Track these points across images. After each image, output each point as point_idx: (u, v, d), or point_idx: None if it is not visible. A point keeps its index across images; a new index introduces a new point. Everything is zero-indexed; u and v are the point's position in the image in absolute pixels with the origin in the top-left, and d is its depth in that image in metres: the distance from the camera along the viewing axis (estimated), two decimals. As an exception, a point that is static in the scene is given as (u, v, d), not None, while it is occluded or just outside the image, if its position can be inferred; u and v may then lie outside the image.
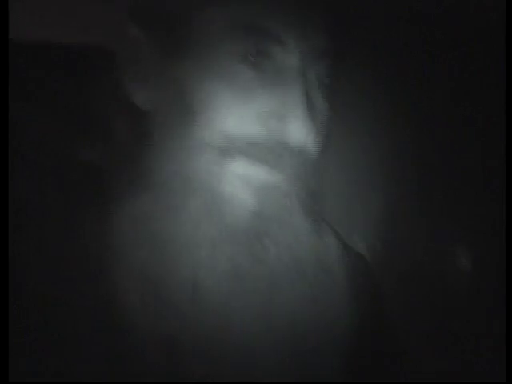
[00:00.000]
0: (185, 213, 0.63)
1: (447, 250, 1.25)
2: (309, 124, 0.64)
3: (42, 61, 0.96)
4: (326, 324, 0.68)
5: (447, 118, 1.17)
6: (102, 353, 0.59)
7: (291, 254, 0.65)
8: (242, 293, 0.62)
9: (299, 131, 0.64)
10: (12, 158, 0.62)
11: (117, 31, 0.72)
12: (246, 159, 0.64)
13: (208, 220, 0.63)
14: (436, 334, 1.15)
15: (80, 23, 1.01)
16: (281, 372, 0.64)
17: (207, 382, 0.62)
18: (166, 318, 0.61)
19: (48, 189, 0.66)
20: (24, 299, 0.58)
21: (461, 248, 1.24)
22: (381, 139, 1.22)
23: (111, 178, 0.68)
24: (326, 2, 0.70)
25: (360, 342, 0.72)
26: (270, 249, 0.63)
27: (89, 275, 0.61)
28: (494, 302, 1.01)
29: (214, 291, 0.62)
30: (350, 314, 0.72)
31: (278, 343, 0.64)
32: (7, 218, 0.59)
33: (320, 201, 0.71)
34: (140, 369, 0.59)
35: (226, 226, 0.63)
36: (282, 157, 0.64)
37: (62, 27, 1.01)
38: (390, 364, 0.82)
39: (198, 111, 0.64)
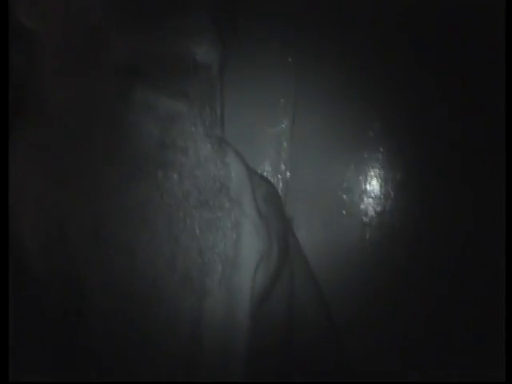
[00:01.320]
0: (85, 144, 0.60)
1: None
2: (217, 42, 0.62)
3: None
4: (233, 251, 0.66)
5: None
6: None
7: (195, 182, 0.63)
8: (148, 228, 0.60)
9: (207, 49, 0.61)
10: None
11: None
12: (152, 84, 0.60)
13: (111, 153, 0.60)
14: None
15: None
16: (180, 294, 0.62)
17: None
18: (72, 258, 0.59)
19: None
20: None
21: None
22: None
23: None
24: None
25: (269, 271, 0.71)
26: (175, 179, 0.62)
27: None
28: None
29: (119, 229, 0.59)
30: (259, 239, 0.70)
31: (184, 275, 0.62)
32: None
33: (224, 126, 0.69)
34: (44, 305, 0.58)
35: (131, 159, 0.60)
36: (189, 78, 0.61)
37: None
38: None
39: (104, 27, 0.59)
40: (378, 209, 1.24)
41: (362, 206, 1.25)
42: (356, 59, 1.20)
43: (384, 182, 1.25)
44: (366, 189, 1.25)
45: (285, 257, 0.75)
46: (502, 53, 0.81)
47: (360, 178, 1.26)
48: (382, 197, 1.25)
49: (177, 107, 0.61)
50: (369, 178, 1.25)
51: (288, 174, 1.26)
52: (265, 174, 1.24)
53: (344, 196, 1.26)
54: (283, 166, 1.27)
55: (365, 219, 1.25)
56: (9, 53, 0.61)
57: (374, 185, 1.25)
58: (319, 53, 1.19)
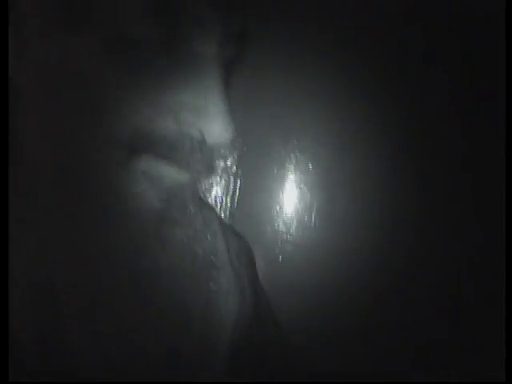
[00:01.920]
0: (82, 216, 0.59)
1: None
2: (227, 119, 0.59)
3: None
4: (213, 311, 0.68)
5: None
6: None
7: (188, 252, 0.64)
8: (145, 301, 0.61)
9: (218, 129, 0.59)
10: None
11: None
12: (155, 157, 0.58)
13: (109, 223, 0.59)
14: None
15: None
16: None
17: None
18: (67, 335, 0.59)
19: None
20: None
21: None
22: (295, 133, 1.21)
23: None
24: None
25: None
26: (170, 252, 0.62)
27: None
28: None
29: (110, 302, 0.60)
30: (239, 305, 0.72)
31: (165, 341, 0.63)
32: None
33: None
34: None
35: (130, 230, 0.59)
36: (194, 156, 0.59)
37: None
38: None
39: (102, 103, 0.57)
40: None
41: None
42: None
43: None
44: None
45: (256, 315, 0.77)
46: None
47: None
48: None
49: (179, 180, 0.60)
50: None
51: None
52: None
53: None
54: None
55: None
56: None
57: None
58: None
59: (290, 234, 1.23)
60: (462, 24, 1.14)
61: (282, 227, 1.22)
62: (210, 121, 0.58)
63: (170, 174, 0.59)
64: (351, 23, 1.15)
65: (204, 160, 0.60)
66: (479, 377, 0.95)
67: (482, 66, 1.15)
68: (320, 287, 1.16)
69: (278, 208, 1.23)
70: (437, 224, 1.18)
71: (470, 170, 1.17)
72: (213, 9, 0.57)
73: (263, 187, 1.22)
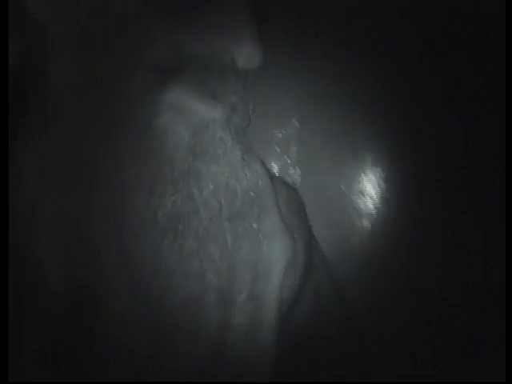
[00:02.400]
0: (114, 151, 0.57)
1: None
2: (258, 45, 0.58)
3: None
4: (260, 262, 0.65)
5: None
6: None
7: (227, 193, 0.61)
8: (176, 238, 0.59)
9: (248, 53, 0.58)
10: None
11: None
12: (184, 86, 0.57)
13: (144, 159, 0.57)
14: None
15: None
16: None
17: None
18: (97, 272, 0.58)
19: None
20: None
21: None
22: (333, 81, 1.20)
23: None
24: None
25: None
26: (206, 189, 0.59)
27: None
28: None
29: (148, 241, 0.58)
30: (284, 248, 0.69)
31: (212, 286, 0.61)
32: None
33: (249, 134, 0.66)
34: None
35: (163, 165, 0.57)
36: (226, 81, 0.58)
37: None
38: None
39: (132, 23, 0.55)
40: (384, 210, 1.25)
41: (369, 207, 1.26)
42: (360, 68, 1.21)
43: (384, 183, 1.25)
44: (369, 190, 1.26)
45: (309, 265, 0.75)
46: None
47: (359, 178, 1.26)
48: (383, 198, 1.25)
49: (210, 113, 0.59)
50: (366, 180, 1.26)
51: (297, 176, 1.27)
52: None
53: (353, 198, 1.26)
54: (292, 170, 1.28)
55: (371, 220, 1.26)
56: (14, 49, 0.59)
57: (375, 186, 1.26)
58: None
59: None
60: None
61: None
62: (240, 45, 0.58)
63: (201, 105, 0.58)
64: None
65: (235, 87, 0.59)
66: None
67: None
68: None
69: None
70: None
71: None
72: None
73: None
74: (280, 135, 1.24)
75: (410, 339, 1.11)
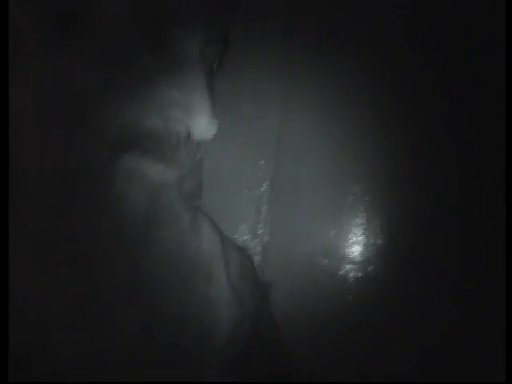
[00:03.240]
0: (69, 215, 0.59)
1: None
2: (213, 116, 0.63)
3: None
4: (206, 327, 0.66)
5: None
6: None
7: (175, 258, 0.63)
8: (126, 304, 0.60)
9: (204, 123, 0.62)
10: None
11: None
12: (141, 154, 0.61)
13: (100, 222, 0.60)
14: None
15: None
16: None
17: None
18: None
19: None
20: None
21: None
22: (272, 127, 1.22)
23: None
24: None
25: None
26: (154, 257, 0.61)
27: None
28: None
29: (101, 309, 0.60)
30: (234, 317, 0.70)
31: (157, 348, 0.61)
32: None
33: (202, 196, 0.69)
34: None
35: (118, 230, 0.60)
36: (180, 151, 0.62)
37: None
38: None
39: (90, 101, 0.60)
40: (359, 274, 1.25)
41: (342, 272, 1.25)
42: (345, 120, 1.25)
43: (365, 247, 1.26)
44: (345, 254, 1.26)
45: (256, 327, 0.76)
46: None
47: (341, 242, 1.27)
48: (363, 262, 1.26)
49: (165, 176, 0.62)
50: (349, 243, 1.27)
51: (266, 237, 1.27)
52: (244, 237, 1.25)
53: (324, 261, 1.26)
54: (261, 230, 1.28)
55: (345, 285, 1.25)
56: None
57: (354, 250, 1.26)
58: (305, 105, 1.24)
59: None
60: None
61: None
62: (195, 117, 0.61)
63: (156, 171, 0.60)
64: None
65: (190, 155, 0.62)
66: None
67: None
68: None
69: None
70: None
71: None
72: (197, 14, 0.62)
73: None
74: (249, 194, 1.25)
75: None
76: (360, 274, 1.23)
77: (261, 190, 1.25)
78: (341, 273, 1.24)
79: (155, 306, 0.55)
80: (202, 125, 0.55)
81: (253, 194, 1.24)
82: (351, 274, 1.24)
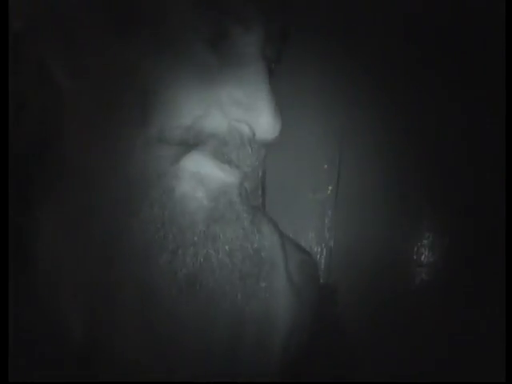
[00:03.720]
0: (136, 216, 0.59)
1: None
2: (275, 115, 0.61)
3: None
4: (269, 322, 0.66)
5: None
6: None
7: (241, 256, 0.64)
8: (195, 301, 0.61)
9: (267, 124, 0.61)
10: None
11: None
12: (204, 154, 0.60)
13: (162, 224, 0.60)
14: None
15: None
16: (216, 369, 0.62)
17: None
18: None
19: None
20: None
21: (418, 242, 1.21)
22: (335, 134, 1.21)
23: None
24: None
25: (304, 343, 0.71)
26: (222, 251, 0.62)
27: None
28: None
29: (167, 301, 0.60)
30: (293, 312, 0.70)
31: (218, 342, 0.62)
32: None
33: (264, 195, 0.69)
34: None
35: (180, 231, 0.60)
36: (243, 151, 0.61)
37: None
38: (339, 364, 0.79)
39: (152, 98, 0.58)
40: (426, 277, 1.24)
41: (408, 274, 1.25)
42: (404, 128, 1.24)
43: (431, 250, 1.25)
44: (412, 256, 1.25)
45: (317, 329, 0.77)
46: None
47: (406, 246, 1.26)
48: (430, 265, 1.25)
49: (227, 179, 0.62)
50: (415, 247, 1.26)
51: (332, 242, 1.28)
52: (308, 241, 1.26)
53: (390, 264, 1.26)
54: (327, 234, 1.28)
55: (410, 286, 1.25)
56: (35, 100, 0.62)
57: (421, 252, 1.26)
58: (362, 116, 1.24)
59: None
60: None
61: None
62: (258, 116, 0.61)
63: (220, 171, 0.61)
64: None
65: (253, 155, 0.63)
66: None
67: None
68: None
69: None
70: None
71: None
72: (256, 11, 0.61)
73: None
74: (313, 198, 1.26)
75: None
76: (427, 277, 1.22)
77: (325, 194, 1.25)
78: (407, 276, 1.23)
79: (215, 299, 0.56)
80: (265, 125, 0.55)
81: (317, 197, 1.24)
82: (418, 277, 1.23)
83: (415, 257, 1.25)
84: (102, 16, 0.59)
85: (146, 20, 0.58)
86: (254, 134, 0.61)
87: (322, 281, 1.05)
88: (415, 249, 1.25)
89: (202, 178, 0.61)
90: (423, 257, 1.25)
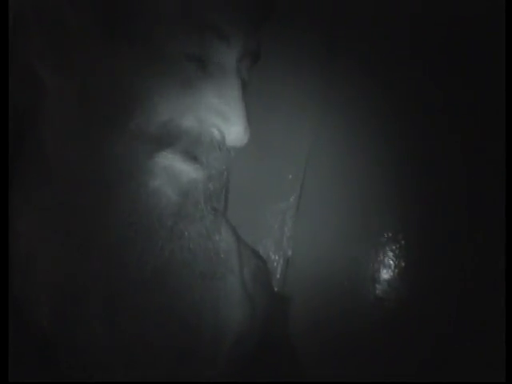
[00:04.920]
0: (112, 210, 0.62)
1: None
2: (245, 124, 0.66)
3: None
4: (222, 326, 0.68)
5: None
6: None
7: (200, 253, 0.65)
8: (149, 297, 0.62)
9: (237, 133, 0.66)
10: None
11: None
12: (176, 152, 0.63)
13: (133, 212, 0.62)
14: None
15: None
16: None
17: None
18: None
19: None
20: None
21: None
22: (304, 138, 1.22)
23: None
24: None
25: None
26: (186, 249, 0.63)
27: None
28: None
29: (128, 297, 0.62)
30: (244, 317, 0.72)
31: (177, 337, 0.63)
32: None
33: (227, 202, 0.72)
34: None
35: (151, 226, 0.62)
36: (212, 154, 0.65)
37: None
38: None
39: (133, 97, 0.62)
40: (380, 294, 1.24)
41: (363, 290, 1.25)
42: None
43: (389, 268, 1.26)
44: (369, 271, 1.26)
45: (267, 335, 0.78)
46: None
47: (364, 263, 1.27)
48: (386, 281, 1.25)
49: (195, 175, 0.65)
50: (373, 264, 1.26)
51: (290, 252, 1.27)
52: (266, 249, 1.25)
53: (345, 279, 1.26)
54: (286, 244, 1.28)
55: (364, 302, 1.25)
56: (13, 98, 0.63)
57: (378, 268, 1.26)
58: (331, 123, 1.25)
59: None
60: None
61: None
62: (230, 124, 0.66)
63: (189, 170, 0.64)
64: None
65: (221, 159, 0.66)
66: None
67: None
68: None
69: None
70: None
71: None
72: (237, 29, 0.66)
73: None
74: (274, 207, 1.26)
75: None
76: (381, 294, 1.23)
77: (287, 203, 1.25)
78: (362, 292, 1.23)
79: (176, 295, 0.57)
80: (236, 134, 0.58)
81: (279, 207, 1.24)
82: (372, 294, 1.23)
83: (372, 272, 1.25)
84: (88, 17, 0.63)
85: (136, 27, 0.63)
86: (224, 140, 0.66)
87: (276, 289, 1.05)
88: (373, 264, 1.26)
89: (173, 174, 0.64)
90: (380, 273, 1.26)
